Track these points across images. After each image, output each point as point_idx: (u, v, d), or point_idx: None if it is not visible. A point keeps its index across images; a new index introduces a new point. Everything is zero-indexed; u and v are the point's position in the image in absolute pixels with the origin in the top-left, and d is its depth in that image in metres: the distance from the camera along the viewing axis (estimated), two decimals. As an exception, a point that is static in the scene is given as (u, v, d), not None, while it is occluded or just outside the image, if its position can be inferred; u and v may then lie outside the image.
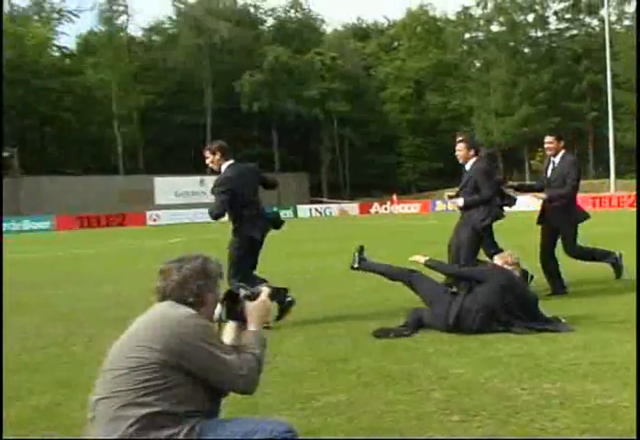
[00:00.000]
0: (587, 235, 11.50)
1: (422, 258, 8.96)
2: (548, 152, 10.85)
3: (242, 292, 3.72)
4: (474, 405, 5.11)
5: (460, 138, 10.85)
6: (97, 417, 3.40)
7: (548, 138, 10.78)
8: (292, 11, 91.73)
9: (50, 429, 4.94)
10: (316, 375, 6.12)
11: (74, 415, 5.17)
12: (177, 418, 3.35)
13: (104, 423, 3.35)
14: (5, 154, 60.67)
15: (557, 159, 10.68)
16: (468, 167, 10.53)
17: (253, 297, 3.72)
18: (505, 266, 8.20)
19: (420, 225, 36.93)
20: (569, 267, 11.03)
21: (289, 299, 7.93)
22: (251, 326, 3.69)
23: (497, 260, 8.50)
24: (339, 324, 8.53)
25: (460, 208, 10.47)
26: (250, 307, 3.69)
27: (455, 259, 10.07)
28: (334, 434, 4.62)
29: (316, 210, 63.95)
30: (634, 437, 4.52)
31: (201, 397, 3.48)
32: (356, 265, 8.91)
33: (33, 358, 7.21)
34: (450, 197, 11.56)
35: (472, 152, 10.39)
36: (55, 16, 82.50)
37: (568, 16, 78.24)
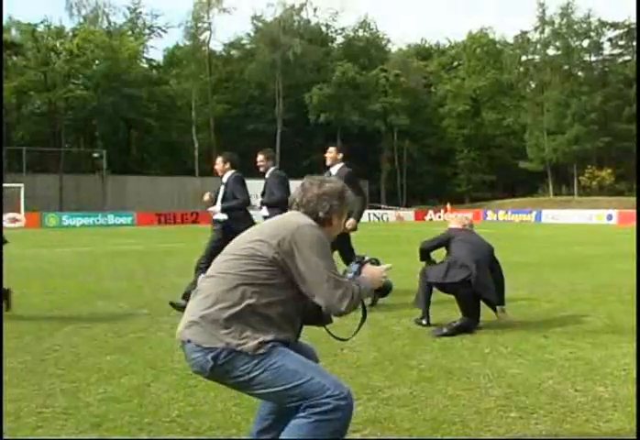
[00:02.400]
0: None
1: None
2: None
3: (367, 258, 3.73)
4: (531, 403, 5.07)
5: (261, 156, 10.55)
6: (199, 292, 3.49)
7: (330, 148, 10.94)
8: (361, 30, 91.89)
9: (143, 406, 5.00)
10: (381, 369, 6.12)
11: (163, 395, 5.25)
12: (266, 321, 3.38)
13: (203, 296, 3.43)
14: (95, 155, 61.64)
15: (333, 171, 10.83)
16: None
17: (376, 264, 3.72)
18: (458, 225, 8.58)
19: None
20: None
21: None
22: (362, 280, 3.59)
23: (454, 224, 8.64)
24: (401, 321, 8.51)
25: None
26: (370, 269, 3.66)
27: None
28: (399, 425, 4.61)
29: (374, 215, 63.86)
30: (635, 437, 4.47)
31: (294, 309, 3.49)
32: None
33: (123, 342, 7.30)
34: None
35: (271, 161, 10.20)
36: (146, 31, 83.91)
37: (621, 42, 77.01)
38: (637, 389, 5.40)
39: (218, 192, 10.27)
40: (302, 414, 3.32)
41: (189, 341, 3.35)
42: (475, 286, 7.76)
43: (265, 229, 3.52)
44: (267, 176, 10.78)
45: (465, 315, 7.87)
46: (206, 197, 10.59)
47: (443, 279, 7.84)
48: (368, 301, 7.97)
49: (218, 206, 10.04)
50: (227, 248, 3.59)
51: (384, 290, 3.78)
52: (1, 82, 54.11)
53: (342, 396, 3.32)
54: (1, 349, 6.59)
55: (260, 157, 10.83)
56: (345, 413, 3.33)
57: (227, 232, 9.43)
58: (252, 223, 9.37)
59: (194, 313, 3.40)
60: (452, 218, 8.95)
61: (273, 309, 3.41)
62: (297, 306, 3.52)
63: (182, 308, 9.30)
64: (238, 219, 9.67)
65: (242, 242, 3.51)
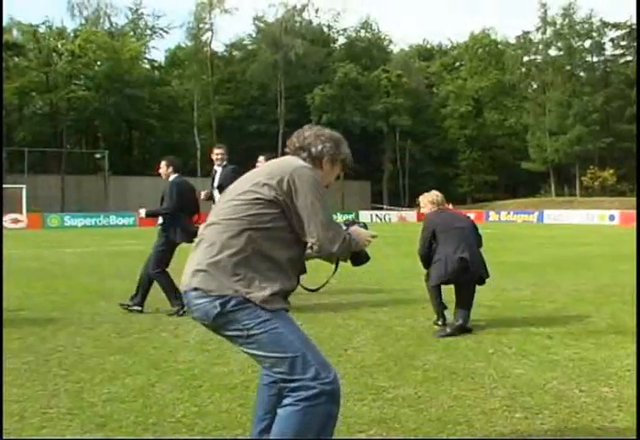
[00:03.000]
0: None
1: None
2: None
3: (356, 221, 3.85)
4: (536, 404, 5.06)
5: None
6: (203, 240, 3.49)
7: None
8: (362, 31, 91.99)
9: (147, 407, 4.99)
10: (385, 369, 6.11)
11: (168, 396, 5.24)
12: (275, 267, 3.43)
13: (207, 245, 3.43)
14: (97, 155, 61.75)
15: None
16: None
17: (364, 228, 3.78)
18: (432, 207, 8.41)
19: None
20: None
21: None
22: (351, 233, 3.67)
23: (427, 208, 8.46)
24: (404, 322, 8.51)
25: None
26: (358, 229, 3.73)
27: None
28: (405, 425, 4.60)
29: (377, 216, 63.85)
30: (635, 437, 4.47)
31: (297, 253, 3.55)
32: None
33: (126, 342, 7.30)
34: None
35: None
36: (148, 32, 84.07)
37: (623, 43, 76.93)
38: (637, 389, 5.41)
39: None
40: (288, 402, 3.35)
41: (195, 289, 3.36)
42: (473, 269, 7.82)
43: (263, 172, 3.53)
44: (220, 171, 10.97)
45: (462, 306, 7.85)
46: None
47: (446, 276, 7.84)
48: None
49: (143, 209, 10.05)
50: (227, 193, 3.59)
51: (362, 257, 3.78)
52: (1, 83, 54.17)
53: (328, 380, 3.35)
54: (1, 350, 6.59)
55: (220, 151, 10.98)
56: (329, 398, 3.35)
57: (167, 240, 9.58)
58: (188, 234, 9.42)
59: (201, 262, 3.40)
60: (423, 201, 8.53)
61: (279, 253, 3.45)
62: (300, 250, 3.57)
63: (127, 308, 9.35)
64: (176, 229, 9.60)
65: (241, 186, 3.52)
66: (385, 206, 72.84)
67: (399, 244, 25.67)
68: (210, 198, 11.10)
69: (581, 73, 79.61)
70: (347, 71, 77.73)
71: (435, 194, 8.49)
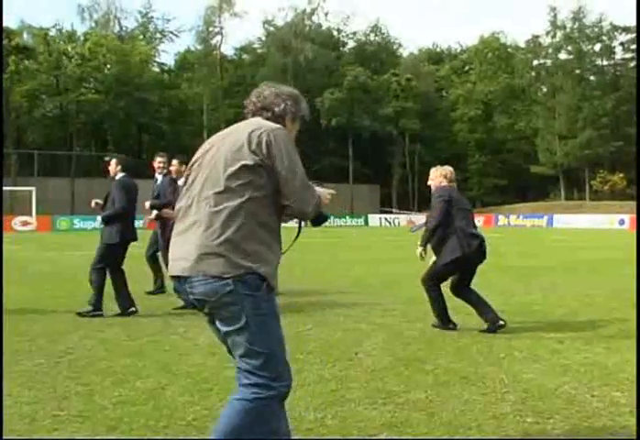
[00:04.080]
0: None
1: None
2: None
3: (314, 181, 3.78)
4: (547, 408, 5.04)
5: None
6: (197, 221, 3.41)
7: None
8: (372, 35, 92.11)
9: (158, 410, 4.99)
10: (396, 373, 6.09)
11: (179, 399, 5.24)
12: (272, 234, 3.46)
13: (204, 225, 3.37)
14: (107, 158, 61.87)
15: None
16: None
17: (320, 186, 3.74)
18: (442, 181, 8.33)
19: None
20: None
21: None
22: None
23: (437, 179, 8.37)
24: (415, 326, 8.50)
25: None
26: (318, 189, 3.67)
27: None
28: (416, 429, 4.59)
29: (386, 220, 63.81)
30: (635, 437, 4.45)
31: (280, 220, 3.54)
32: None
33: (137, 345, 7.29)
34: None
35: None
36: (158, 35, 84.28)
37: (633, 46, 76.79)
38: (637, 389, 5.39)
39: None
40: (244, 396, 3.41)
41: (205, 274, 3.32)
42: (483, 249, 8.13)
43: (238, 138, 3.45)
44: (160, 180, 10.95)
45: (482, 300, 8.11)
46: (93, 204, 10.38)
47: (461, 250, 7.90)
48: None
49: (99, 216, 10.08)
50: (205, 167, 3.51)
51: (322, 217, 3.76)
52: (1, 81, 54.28)
53: (286, 384, 3.45)
54: (1, 350, 6.59)
55: (162, 159, 10.94)
56: (282, 402, 3.47)
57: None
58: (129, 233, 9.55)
59: (204, 244, 3.33)
60: (435, 173, 8.40)
61: (272, 219, 3.47)
62: (281, 214, 3.56)
63: (86, 314, 9.33)
64: (118, 230, 9.60)
65: (220, 156, 3.45)
66: (394, 210, 72.78)
67: (408, 247, 25.63)
68: (153, 207, 11.01)
69: (591, 77, 79.60)
70: (356, 74, 77.78)
71: (449, 170, 8.44)
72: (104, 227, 9.73)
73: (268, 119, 3.63)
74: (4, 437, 4.40)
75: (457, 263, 8.05)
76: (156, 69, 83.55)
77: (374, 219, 63.17)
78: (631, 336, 7.67)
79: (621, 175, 70.91)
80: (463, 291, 8.28)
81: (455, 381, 5.82)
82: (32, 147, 65.49)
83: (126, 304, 9.45)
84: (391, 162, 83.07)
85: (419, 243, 8.29)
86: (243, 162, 3.36)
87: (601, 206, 63.62)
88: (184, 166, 10.01)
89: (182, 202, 3.56)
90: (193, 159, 3.64)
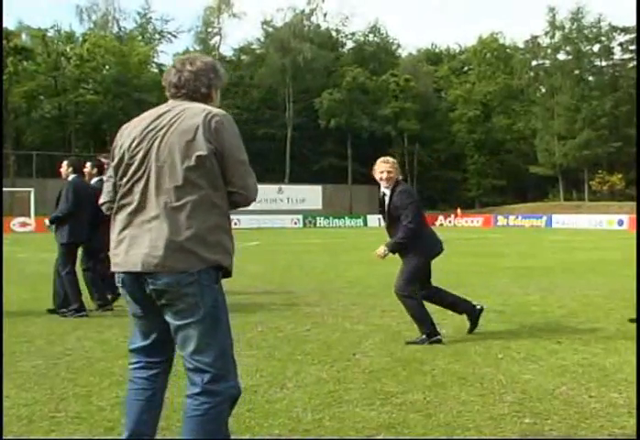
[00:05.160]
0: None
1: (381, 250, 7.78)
2: None
3: None
4: (544, 409, 5.04)
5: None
6: (157, 215, 3.36)
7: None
8: (371, 35, 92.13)
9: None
10: (394, 374, 6.09)
11: (177, 400, 5.19)
12: (229, 222, 3.51)
13: (166, 219, 3.34)
14: (104, 160, 61.80)
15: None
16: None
17: None
18: (399, 176, 7.73)
19: (482, 238, 36.65)
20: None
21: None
22: None
23: (395, 171, 7.64)
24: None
25: None
26: None
27: None
28: (413, 430, 4.59)
29: (386, 220, 63.65)
30: (635, 437, 4.45)
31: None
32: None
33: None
34: None
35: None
36: (156, 36, 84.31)
37: (632, 47, 76.79)
38: (637, 389, 5.40)
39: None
40: (199, 399, 3.43)
41: (170, 270, 3.31)
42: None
43: (186, 127, 3.40)
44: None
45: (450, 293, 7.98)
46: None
47: (439, 248, 7.78)
48: None
49: (47, 219, 10.05)
50: (157, 159, 3.41)
51: None
52: (1, 81, 54.29)
53: (233, 383, 3.53)
54: (1, 350, 6.59)
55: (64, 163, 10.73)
56: (232, 401, 3.55)
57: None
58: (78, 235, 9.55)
59: (170, 241, 3.32)
60: (393, 166, 7.65)
61: (227, 207, 3.50)
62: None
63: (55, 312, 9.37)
64: (68, 231, 9.60)
65: (173, 148, 3.38)
66: (393, 211, 72.78)
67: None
68: None
69: (590, 78, 79.53)
70: (355, 75, 77.78)
71: (390, 159, 7.78)
72: (55, 229, 9.76)
73: (197, 100, 3.60)
74: (3, 437, 4.39)
75: (429, 260, 7.76)
76: (155, 69, 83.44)
77: (373, 220, 63.11)
78: (629, 337, 7.67)
79: (619, 176, 70.89)
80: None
81: (453, 382, 5.82)
82: (31, 147, 65.45)
83: (63, 305, 9.47)
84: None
85: (386, 248, 7.57)
86: (198, 153, 3.34)
87: (600, 207, 63.59)
88: None
89: (127, 195, 3.47)
90: (124, 148, 3.52)
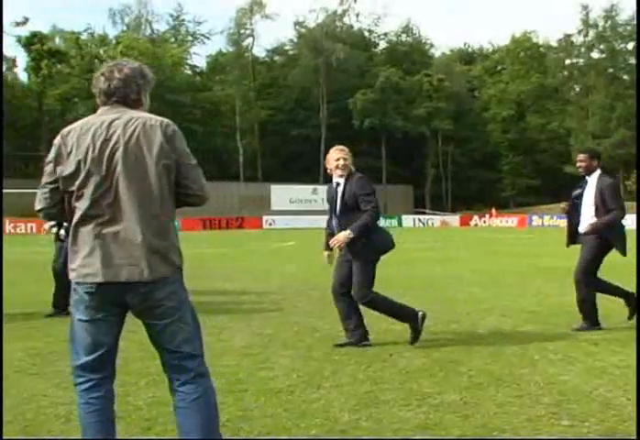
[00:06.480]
0: None
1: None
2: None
3: None
4: (582, 412, 4.97)
5: None
6: (126, 227, 3.43)
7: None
8: (404, 35, 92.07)
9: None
10: (430, 375, 6.06)
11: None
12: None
13: (137, 229, 3.42)
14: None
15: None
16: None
17: None
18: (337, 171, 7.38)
19: (517, 238, 36.42)
20: None
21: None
22: None
23: (349, 159, 7.42)
24: (449, 327, 8.46)
25: None
26: None
27: None
28: (450, 431, 4.57)
29: (419, 220, 63.66)
30: (635, 437, 4.40)
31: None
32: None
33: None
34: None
35: None
36: (189, 38, 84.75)
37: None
38: (637, 389, 5.35)
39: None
40: (198, 396, 3.65)
41: (159, 277, 3.46)
42: None
43: (149, 135, 3.49)
44: None
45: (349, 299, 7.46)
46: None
47: (391, 240, 7.51)
48: None
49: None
50: (122, 169, 3.44)
51: None
52: (1, 82, 54.72)
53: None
54: (1, 350, 6.63)
55: None
56: None
57: None
58: None
59: (154, 249, 3.45)
60: (349, 155, 7.45)
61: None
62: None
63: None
64: None
65: (141, 160, 3.44)
66: (428, 210, 72.60)
67: (442, 249, 25.57)
68: None
69: (624, 76, 78.73)
70: (388, 75, 77.79)
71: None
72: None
73: (129, 106, 3.65)
74: (3, 437, 4.42)
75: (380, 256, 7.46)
76: (188, 71, 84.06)
77: (408, 220, 63.01)
78: (668, 338, 7.58)
79: (656, 175, 70.12)
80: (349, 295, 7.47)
81: (489, 383, 5.78)
82: (66, 149, 66.08)
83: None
84: (425, 163, 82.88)
85: (350, 232, 7.07)
86: (165, 162, 3.45)
87: (636, 206, 62.89)
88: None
89: (93, 207, 3.45)
90: (79, 158, 3.49)
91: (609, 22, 77.06)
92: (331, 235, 7.44)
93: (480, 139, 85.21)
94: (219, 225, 54.56)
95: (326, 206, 7.65)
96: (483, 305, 10.38)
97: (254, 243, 28.92)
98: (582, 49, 79.44)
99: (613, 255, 8.57)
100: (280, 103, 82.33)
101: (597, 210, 8.18)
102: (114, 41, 74.00)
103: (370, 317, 9.15)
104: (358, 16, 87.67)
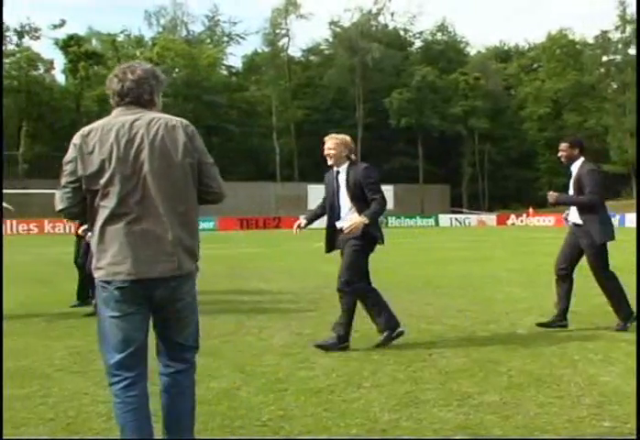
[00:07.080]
0: None
1: None
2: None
3: None
4: (624, 413, 4.93)
5: None
6: (161, 221, 3.56)
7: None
8: (439, 34, 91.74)
9: (233, 410, 5.03)
10: (470, 375, 6.04)
11: (253, 399, 5.28)
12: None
13: (170, 225, 3.57)
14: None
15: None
16: None
17: None
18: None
19: (554, 237, 36.12)
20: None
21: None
22: None
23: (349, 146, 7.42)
24: (488, 327, 8.42)
25: None
26: None
27: None
28: (490, 432, 4.55)
29: (456, 220, 63.34)
30: (635, 437, 4.35)
31: None
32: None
33: (210, 345, 7.31)
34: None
35: None
36: (225, 39, 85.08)
37: None
38: (637, 389, 5.31)
39: None
40: (190, 373, 3.95)
41: (186, 272, 3.64)
42: None
43: (174, 136, 3.61)
44: None
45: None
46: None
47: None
48: None
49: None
50: (150, 168, 3.54)
51: None
52: (1, 82, 55.10)
53: None
54: (1, 350, 6.68)
55: None
56: None
57: None
58: None
59: (183, 246, 3.60)
60: (334, 140, 7.53)
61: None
62: None
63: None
64: None
65: (168, 160, 3.56)
66: (465, 210, 72.24)
67: (479, 248, 25.46)
68: None
69: (662, 73, 77.77)
70: (424, 74, 77.55)
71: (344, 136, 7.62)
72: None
73: (142, 106, 3.72)
74: (4, 437, 4.46)
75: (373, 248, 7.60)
76: (224, 71, 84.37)
77: (445, 219, 62.76)
78: None
79: (695, 173, 69.18)
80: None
81: (529, 384, 5.75)
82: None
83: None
84: (461, 162, 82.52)
85: (365, 217, 7.20)
86: (189, 160, 3.59)
87: (676, 205, 62.10)
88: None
89: (121, 205, 3.51)
90: (104, 157, 3.53)
91: (647, 18, 76.20)
92: (331, 231, 7.89)
93: (517, 138, 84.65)
94: (256, 224, 54.71)
95: None
96: (521, 305, 10.32)
97: (291, 243, 28.88)
98: (619, 46, 78.54)
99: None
100: (316, 102, 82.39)
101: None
102: (150, 43, 74.52)
103: (410, 318, 9.15)
104: (392, 15, 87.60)
